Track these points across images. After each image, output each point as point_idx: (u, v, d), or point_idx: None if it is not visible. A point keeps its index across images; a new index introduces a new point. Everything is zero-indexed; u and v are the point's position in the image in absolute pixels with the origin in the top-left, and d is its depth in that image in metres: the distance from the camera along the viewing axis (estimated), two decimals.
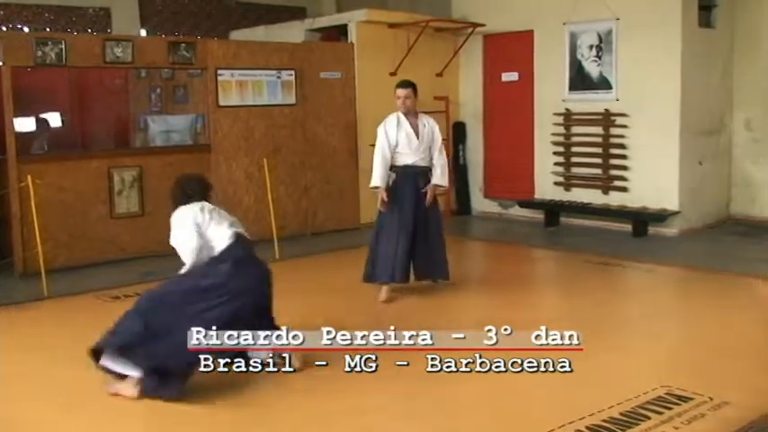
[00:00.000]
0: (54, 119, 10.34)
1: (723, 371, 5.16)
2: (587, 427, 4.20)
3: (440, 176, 7.23)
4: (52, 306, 7.34)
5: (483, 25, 11.61)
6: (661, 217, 10.03)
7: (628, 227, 10.24)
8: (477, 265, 9.52)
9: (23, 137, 8.90)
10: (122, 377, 4.91)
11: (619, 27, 10.36)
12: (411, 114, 7.22)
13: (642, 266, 8.40)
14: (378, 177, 7.12)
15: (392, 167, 7.16)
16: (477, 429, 4.35)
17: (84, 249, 8.81)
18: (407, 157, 7.17)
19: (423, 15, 11.70)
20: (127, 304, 7.08)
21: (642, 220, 10.16)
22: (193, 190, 5.46)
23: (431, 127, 7.29)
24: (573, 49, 10.91)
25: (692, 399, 4.57)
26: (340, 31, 11.45)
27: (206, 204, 5.36)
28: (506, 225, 11.49)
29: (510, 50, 11.83)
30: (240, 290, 5.02)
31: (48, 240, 8.11)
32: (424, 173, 7.22)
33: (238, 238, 5.20)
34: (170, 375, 4.81)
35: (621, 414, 4.37)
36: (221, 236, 5.17)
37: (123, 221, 9.10)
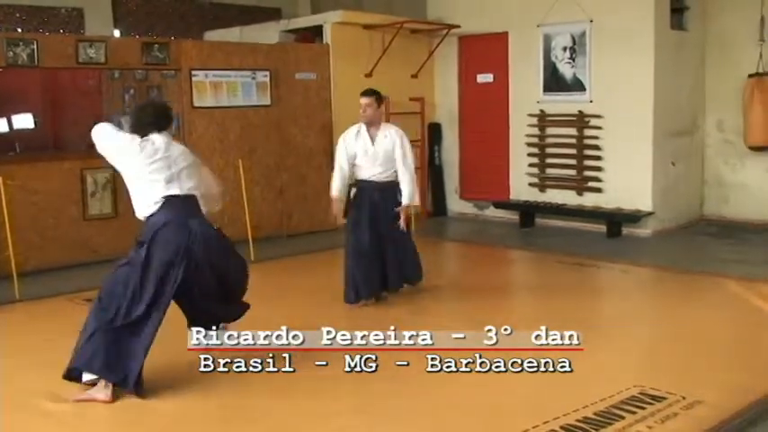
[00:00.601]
0: (26, 120, 10.25)
1: (696, 370, 5.20)
2: (561, 427, 4.21)
3: (407, 195, 6.91)
4: (24, 309, 7.26)
5: (458, 27, 11.63)
6: (635, 218, 10.09)
7: (602, 228, 10.29)
8: (452, 267, 9.53)
9: None
10: (93, 384, 4.85)
11: (592, 29, 10.41)
12: (373, 125, 7.00)
13: (616, 267, 8.44)
14: (334, 188, 7.03)
15: (355, 182, 7.03)
16: (449, 430, 4.35)
17: (57, 251, 8.73)
18: (365, 171, 6.96)
19: (398, 17, 11.70)
20: None
21: (616, 221, 10.22)
22: (149, 118, 5.21)
23: (393, 138, 6.96)
24: (547, 50, 10.95)
25: (665, 398, 4.60)
26: (315, 33, 11.43)
27: (158, 140, 5.10)
28: (482, 226, 11.52)
29: (485, 52, 11.86)
30: (164, 261, 4.88)
31: (19, 242, 8.02)
32: (387, 188, 6.96)
33: (165, 202, 5.04)
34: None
35: (596, 414, 4.39)
36: (148, 198, 5.08)
37: (96, 223, 9.03)
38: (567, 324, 6.12)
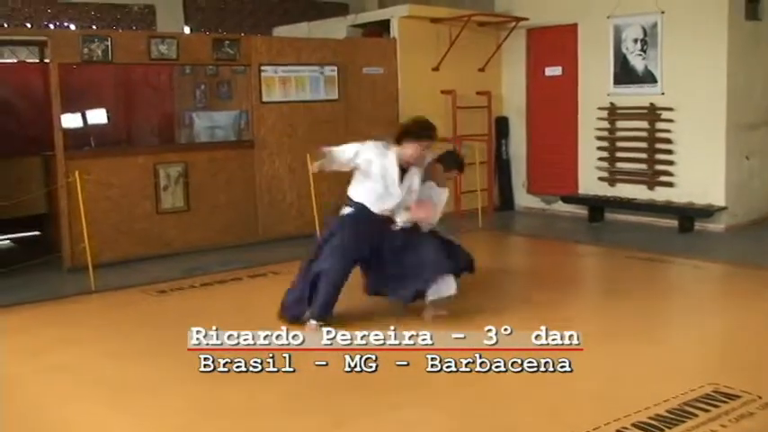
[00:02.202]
0: (100, 115, 10.50)
1: None
2: (633, 425, 4.16)
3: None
4: (99, 300, 7.45)
5: (526, 19, 11.53)
6: (707, 212, 9.89)
7: (673, 223, 10.12)
8: (519, 260, 9.48)
9: (71, 133, 9.03)
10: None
11: (664, 20, 10.23)
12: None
13: (688, 262, 8.29)
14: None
15: None
16: (519, 425, 4.33)
17: (131, 244, 8.92)
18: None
19: (465, 10, 11.65)
20: (173, 298, 7.28)
21: (688, 216, 10.03)
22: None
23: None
24: (617, 42, 10.80)
25: (739, 397, 4.51)
26: (382, 27, 11.45)
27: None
28: (550, 221, 11.42)
29: (554, 44, 11.75)
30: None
31: (94, 235, 8.23)
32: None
33: None
34: None
35: (668, 411, 4.32)
36: None
37: (169, 217, 9.20)
38: (637, 320, 6.12)
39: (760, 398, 4.48)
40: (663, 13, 10.19)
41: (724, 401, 4.45)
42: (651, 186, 10.57)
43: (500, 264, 8.68)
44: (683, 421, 4.20)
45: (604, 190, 11.12)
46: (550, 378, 4.73)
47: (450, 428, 4.41)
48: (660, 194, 10.47)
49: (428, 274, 6.07)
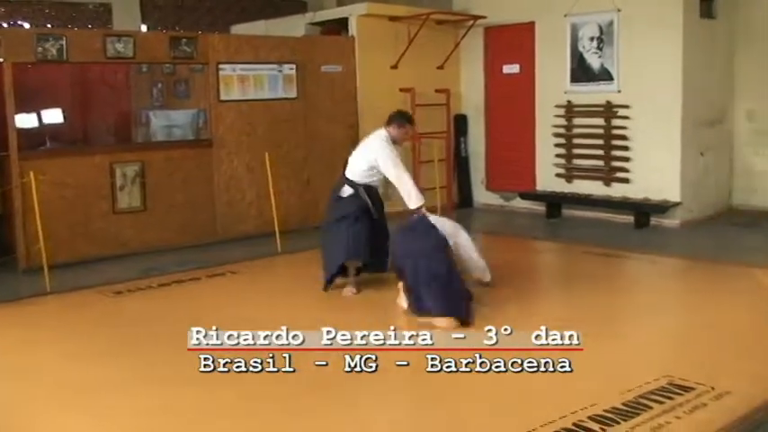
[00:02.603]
0: (55, 115, 10.35)
1: (724, 360, 5.17)
2: (590, 417, 4.20)
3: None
4: (56, 301, 7.36)
5: (484, 17, 11.59)
6: (663, 208, 10.02)
7: (630, 218, 10.24)
8: None
9: (25, 133, 8.91)
10: None
11: (620, 18, 10.34)
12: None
13: (644, 257, 8.40)
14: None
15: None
16: (476, 422, 4.35)
17: (87, 245, 8.82)
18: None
19: (423, 8, 11.67)
20: (130, 299, 7.21)
21: (644, 212, 10.16)
22: None
23: None
24: (574, 40, 10.89)
25: (693, 388, 4.58)
26: (341, 25, 11.45)
27: None
28: (508, 217, 11.50)
29: (511, 43, 11.82)
30: None
31: (50, 236, 8.11)
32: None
33: None
34: None
35: (624, 404, 4.37)
36: None
37: (125, 217, 9.11)
38: (594, 315, 6.19)
39: (713, 389, 4.56)
40: (619, 11, 10.30)
41: (679, 393, 4.52)
42: (608, 182, 10.69)
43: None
44: (639, 413, 4.26)
45: (562, 186, 11.22)
46: (507, 375, 4.76)
47: (408, 424, 4.41)
48: (616, 190, 10.58)
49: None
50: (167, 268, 8.39)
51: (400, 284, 6.37)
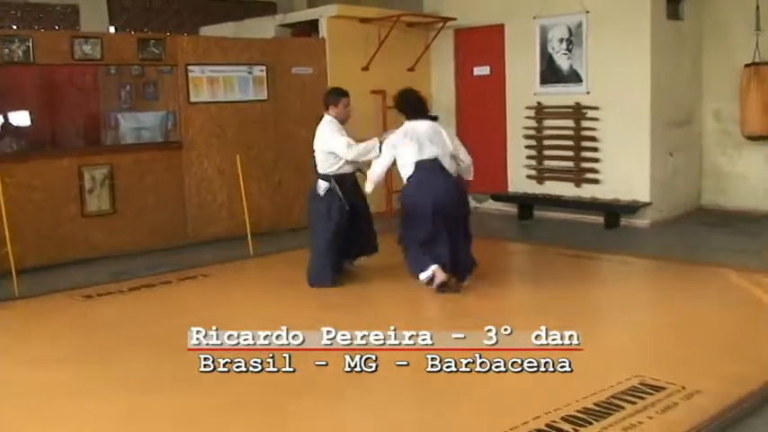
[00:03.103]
0: (22, 117, 10.23)
1: (695, 360, 5.20)
2: (562, 418, 4.21)
3: None
4: (24, 306, 7.25)
5: (454, 19, 11.61)
6: (632, 209, 10.09)
7: (600, 219, 10.30)
8: None
9: None
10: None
11: (589, 20, 10.40)
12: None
13: (614, 258, 8.45)
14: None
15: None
16: (448, 423, 4.35)
17: (55, 248, 8.72)
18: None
19: (394, 10, 11.68)
20: (99, 303, 7.14)
21: (614, 212, 10.22)
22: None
23: None
24: (544, 42, 10.95)
25: (665, 388, 4.60)
26: (311, 27, 11.41)
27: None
28: (480, 219, 11.45)
29: (481, 45, 11.86)
30: None
31: (18, 240, 8.01)
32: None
33: None
34: None
35: (596, 404, 4.39)
36: None
37: (95, 220, 9.02)
38: (566, 316, 6.20)
39: (684, 388, 4.58)
40: (588, 12, 10.36)
41: (650, 393, 4.54)
42: (578, 183, 10.74)
43: None
44: (611, 413, 4.28)
45: (533, 188, 11.27)
46: (480, 374, 4.77)
47: (377, 426, 4.41)
48: (587, 191, 10.65)
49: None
50: (138, 272, 8.31)
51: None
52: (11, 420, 4.61)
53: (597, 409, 4.34)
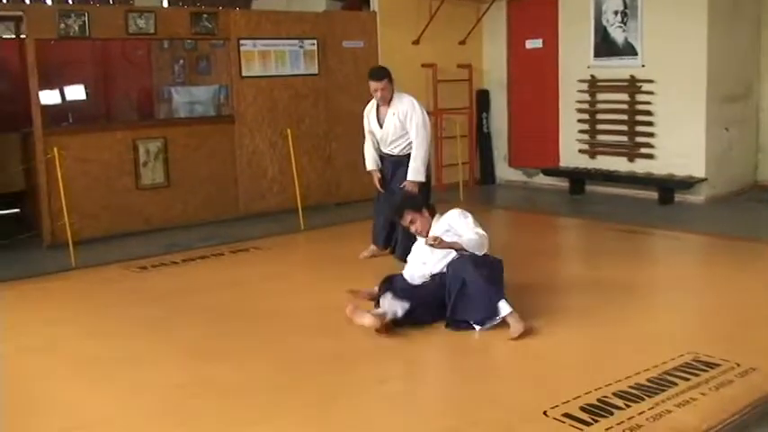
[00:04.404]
0: (78, 91, 10.39)
1: (750, 337, 5.12)
2: (614, 394, 4.18)
3: (410, 171, 6.92)
4: (80, 277, 7.41)
5: None
6: (687, 184, 9.94)
7: (654, 194, 10.16)
8: (500, 234, 9.46)
9: (49, 109, 8.95)
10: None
11: None
12: (384, 104, 7.05)
13: (668, 234, 8.33)
14: (367, 161, 7.31)
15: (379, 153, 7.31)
16: (505, 396, 4.35)
17: (110, 221, 8.87)
18: (381, 146, 7.23)
19: None
20: (154, 274, 7.25)
21: (668, 188, 10.08)
22: None
23: (403, 114, 6.94)
24: (598, 14, 10.78)
25: (719, 365, 4.55)
26: (362, 0, 11.38)
27: None
28: (531, 193, 11.44)
29: (534, 17, 11.72)
30: None
31: (74, 212, 8.18)
32: (400, 162, 7.08)
33: None
34: None
35: (649, 380, 4.35)
36: None
37: (148, 192, 9.14)
38: (618, 292, 6.14)
39: (738, 365, 4.52)
40: None
41: (704, 370, 4.49)
42: (631, 158, 10.60)
43: None
44: (664, 390, 4.23)
45: (585, 162, 11.15)
46: (535, 349, 4.76)
47: (438, 399, 4.43)
48: (640, 166, 10.50)
49: None
50: (191, 244, 8.43)
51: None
52: (72, 387, 4.71)
53: (650, 385, 4.30)
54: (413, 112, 6.91)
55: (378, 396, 4.42)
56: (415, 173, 6.92)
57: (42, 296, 6.80)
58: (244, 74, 9.78)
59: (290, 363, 4.88)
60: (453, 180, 10.75)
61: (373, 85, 6.94)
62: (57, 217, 8.18)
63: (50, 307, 6.45)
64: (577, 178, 11.10)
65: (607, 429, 3.80)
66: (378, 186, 7.31)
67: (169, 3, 13.87)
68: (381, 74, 6.99)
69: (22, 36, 9.05)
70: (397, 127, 6.97)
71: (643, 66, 10.36)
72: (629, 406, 4.05)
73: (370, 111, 7.22)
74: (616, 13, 10.58)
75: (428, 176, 7.15)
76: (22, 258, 8.06)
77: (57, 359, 5.18)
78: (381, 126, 7.08)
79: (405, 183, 6.96)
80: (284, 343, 5.24)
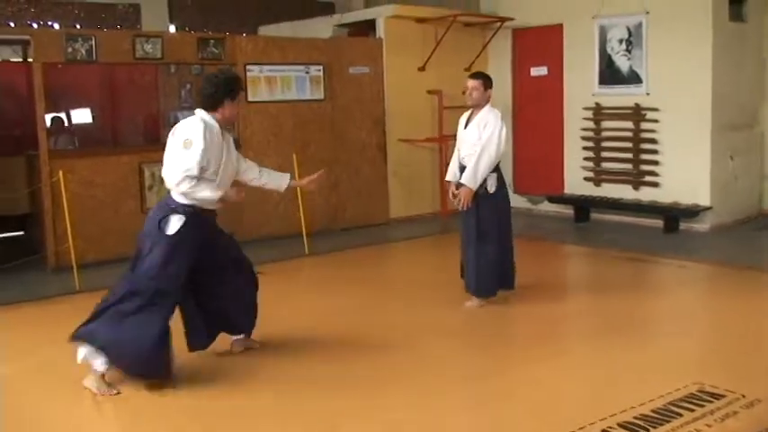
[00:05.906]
0: (84, 115, 10.43)
1: (755, 368, 5.10)
2: (619, 424, 4.16)
3: (466, 174, 6.50)
4: (84, 300, 7.34)
5: (512, 19, 11.55)
6: (692, 212, 9.92)
7: (659, 223, 10.14)
8: None
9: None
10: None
11: (649, 21, 10.25)
12: (477, 108, 6.67)
13: (673, 262, 8.32)
14: (448, 171, 7.00)
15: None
16: (507, 426, 4.33)
17: (115, 244, 8.83)
18: (461, 152, 6.79)
19: (451, 10, 11.65)
20: None
21: (673, 216, 10.06)
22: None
23: (482, 122, 6.56)
24: (602, 42, 10.82)
25: (724, 396, 4.52)
26: (368, 27, 11.45)
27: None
28: (536, 221, 11.43)
29: (539, 44, 11.77)
30: None
31: (79, 235, 8.18)
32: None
33: None
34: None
35: (653, 411, 4.33)
36: None
37: None
38: (623, 320, 6.12)
39: (744, 397, 4.50)
40: (648, 13, 10.22)
41: (709, 401, 4.47)
42: (636, 186, 10.60)
43: None
44: (669, 421, 4.21)
45: (590, 190, 11.14)
46: (537, 378, 4.73)
47: (437, 428, 4.41)
48: (645, 194, 10.49)
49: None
50: None
51: None
52: (76, 413, 4.71)
53: (654, 415, 4.28)
54: (493, 122, 6.54)
55: (378, 423, 4.41)
56: (469, 178, 6.49)
57: (46, 319, 6.80)
58: (250, 99, 9.82)
59: (291, 388, 4.85)
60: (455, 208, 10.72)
61: (469, 83, 6.63)
62: (61, 240, 8.19)
63: (54, 330, 6.40)
64: (582, 206, 11.09)
65: None
66: (451, 197, 6.90)
67: (176, 28, 14.00)
68: (479, 74, 6.80)
69: (30, 60, 9.10)
70: (475, 136, 6.56)
71: (648, 94, 10.38)
72: None
73: (465, 116, 6.83)
74: (621, 41, 10.62)
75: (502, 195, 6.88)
76: (27, 281, 8.06)
77: (59, 382, 5.17)
78: (466, 128, 6.72)
79: (458, 190, 6.62)
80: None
